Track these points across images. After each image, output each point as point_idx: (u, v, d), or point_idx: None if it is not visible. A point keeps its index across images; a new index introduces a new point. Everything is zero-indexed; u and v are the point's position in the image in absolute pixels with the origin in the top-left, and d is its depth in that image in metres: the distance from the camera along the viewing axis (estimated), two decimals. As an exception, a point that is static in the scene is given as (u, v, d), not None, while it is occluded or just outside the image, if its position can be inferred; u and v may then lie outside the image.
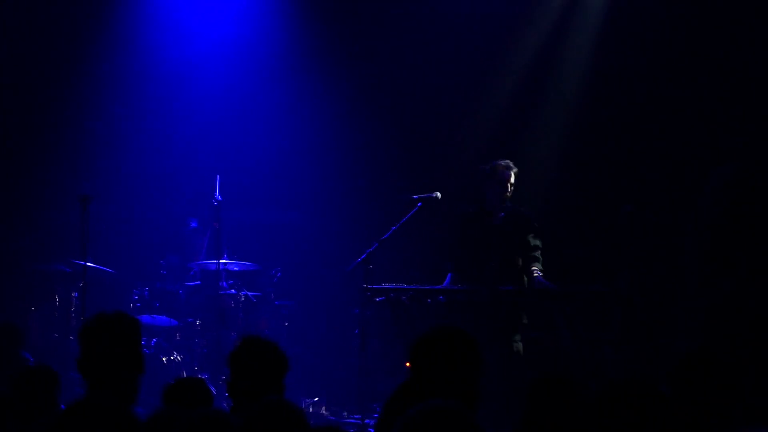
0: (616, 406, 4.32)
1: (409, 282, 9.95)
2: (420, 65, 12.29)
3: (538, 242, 10.06)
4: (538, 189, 11.08)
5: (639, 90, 11.52)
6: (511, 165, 9.99)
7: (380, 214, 10.90)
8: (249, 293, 11.57)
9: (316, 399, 11.34)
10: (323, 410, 11.35)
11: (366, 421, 9.70)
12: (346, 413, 11.05)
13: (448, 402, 3.41)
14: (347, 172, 12.62)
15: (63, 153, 12.53)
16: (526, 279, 9.89)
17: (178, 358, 11.12)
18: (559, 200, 11.44)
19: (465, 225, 10.19)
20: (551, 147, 11.70)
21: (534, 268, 9.92)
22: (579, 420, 4.47)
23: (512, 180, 9.96)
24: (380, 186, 12.27)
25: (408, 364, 4.64)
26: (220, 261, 11.01)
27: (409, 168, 12.23)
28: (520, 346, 9.71)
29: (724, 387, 4.73)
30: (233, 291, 11.43)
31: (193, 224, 12.21)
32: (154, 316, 11.38)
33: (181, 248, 12.28)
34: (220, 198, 10.77)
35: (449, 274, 10.09)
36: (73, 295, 11.28)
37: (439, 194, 10.03)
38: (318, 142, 12.67)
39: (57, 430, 4.33)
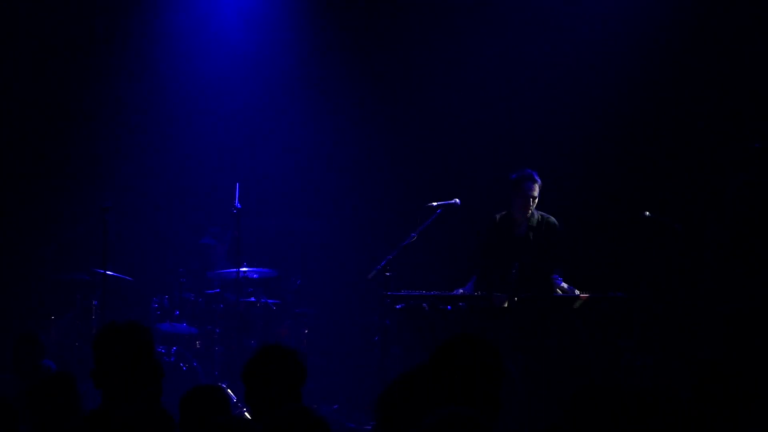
0: (639, 414, 4.31)
1: (429, 289, 9.94)
2: (441, 72, 12.28)
3: (563, 249, 10.06)
4: (559, 195, 11.04)
5: (660, 95, 11.49)
6: (536, 177, 9.99)
7: (400, 221, 10.90)
8: (268, 301, 11.58)
9: (336, 406, 11.33)
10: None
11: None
12: (365, 420, 11.04)
13: (465, 409, 3.41)
14: (367, 179, 12.61)
15: (83, 163, 12.57)
16: (548, 286, 9.87)
17: (198, 366, 11.14)
18: (580, 206, 11.41)
19: (491, 231, 10.21)
20: (572, 152, 11.66)
21: (556, 275, 9.91)
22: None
23: (535, 193, 9.96)
24: (400, 193, 12.27)
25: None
26: (240, 269, 11.01)
27: (430, 175, 12.21)
28: (540, 353, 9.69)
29: (746, 396, 4.71)
30: (253, 299, 11.44)
31: (206, 240, 12.25)
32: (174, 324, 11.39)
33: (200, 256, 12.31)
34: (239, 206, 10.78)
35: (473, 278, 10.11)
36: (93, 303, 11.30)
37: (458, 201, 10.05)
38: (338, 149, 12.68)
39: None
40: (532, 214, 10.06)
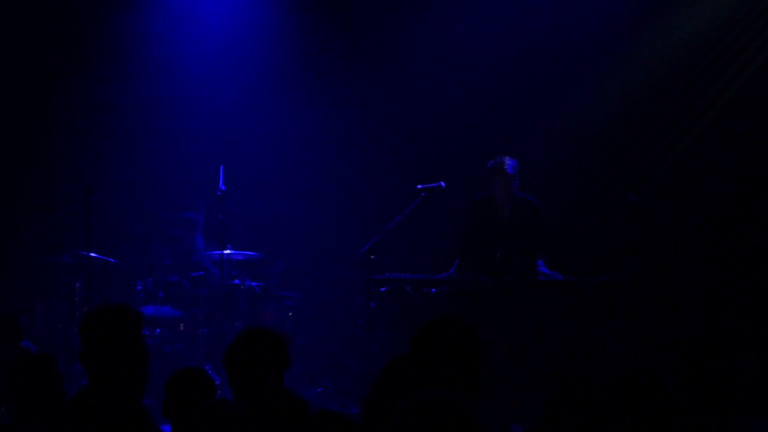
0: (622, 399, 4.32)
1: (415, 272, 9.94)
2: (426, 55, 12.27)
3: (544, 231, 10.08)
4: (543, 179, 11.05)
5: (644, 79, 11.49)
6: (506, 161, 9.99)
7: (385, 205, 10.90)
8: (253, 283, 11.57)
9: (320, 389, 11.35)
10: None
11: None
12: (350, 403, 11.05)
13: (443, 393, 3.40)
14: (352, 163, 12.60)
15: (66, 144, 12.52)
16: (531, 269, 9.89)
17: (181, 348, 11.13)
18: (564, 190, 11.43)
19: (474, 212, 10.22)
20: (558, 136, 11.67)
21: (539, 259, 9.93)
22: (599, 419, 4.44)
23: (511, 174, 9.97)
24: (385, 176, 12.26)
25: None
26: (224, 251, 10.99)
27: (415, 158, 12.21)
28: (523, 336, 9.71)
29: (726, 376, 4.73)
30: (237, 281, 11.43)
31: (189, 214, 12.24)
32: (158, 306, 11.38)
33: (182, 239, 12.29)
34: (224, 188, 10.75)
35: (456, 260, 10.12)
36: (77, 286, 11.27)
37: (443, 184, 10.05)
38: (323, 132, 12.66)
39: (61, 421, 4.33)
40: (514, 195, 10.07)
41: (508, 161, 10.00)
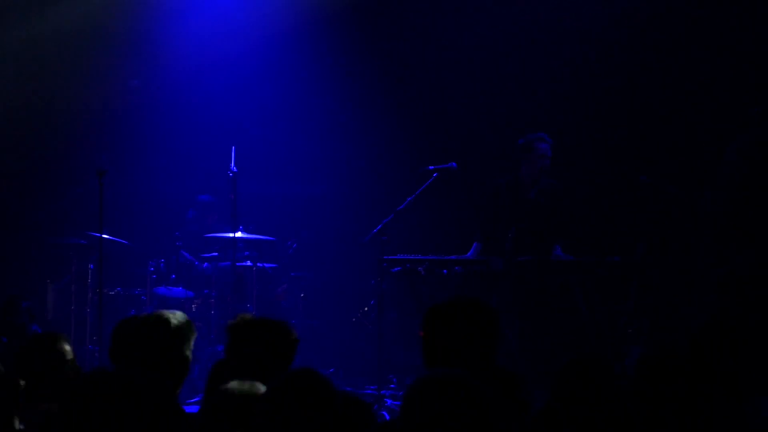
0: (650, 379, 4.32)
1: (426, 253, 9.93)
2: (439, 34, 12.23)
3: (565, 214, 10.07)
4: (555, 159, 11.03)
5: (658, 58, 11.45)
6: (547, 138, 10.03)
7: (397, 185, 10.88)
8: (265, 264, 11.59)
9: (332, 370, 11.36)
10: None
11: (382, 391, 9.71)
12: (362, 384, 11.07)
13: (455, 370, 3.39)
14: (364, 143, 12.59)
15: (79, 126, 12.53)
16: (548, 250, 9.87)
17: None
18: (577, 170, 11.39)
19: (495, 196, 10.21)
20: (569, 116, 11.63)
21: (556, 243, 9.92)
22: (609, 401, 4.44)
23: (549, 153, 9.99)
24: (396, 157, 12.24)
25: (421, 333, 4.61)
26: (236, 233, 11.00)
27: (426, 139, 12.19)
28: (536, 317, 9.70)
29: (740, 357, 4.72)
30: (249, 263, 11.44)
31: (204, 197, 12.28)
32: (170, 288, 11.43)
33: (196, 220, 12.32)
34: (235, 169, 10.74)
35: (475, 244, 10.11)
36: (89, 267, 11.31)
37: (455, 164, 10.03)
38: (334, 113, 12.65)
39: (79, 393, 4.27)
40: (542, 177, 10.07)
41: (548, 141, 10.03)
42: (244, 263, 11.44)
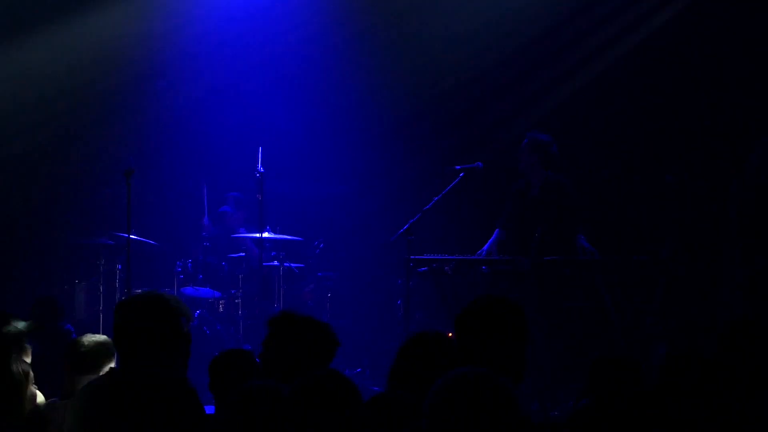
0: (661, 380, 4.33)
1: (452, 252, 9.94)
2: (462, 36, 12.21)
3: (576, 208, 10.05)
4: (582, 158, 11.02)
5: (683, 58, 11.42)
6: (539, 136, 10.03)
7: (423, 185, 10.89)
8: (291, 264, 11.62)
9: (359, 370, 11.38)
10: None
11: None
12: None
13: (481, 369, 3.40)
14: (390, 143, 12.60)
15: (107, 127, 12.59)
16: (571, 249, 9.86)
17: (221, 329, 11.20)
18: (603, 169, 11.38)
19: (512, 195, 10.26)
20: (596, 115, 11.62)
21: (576, 236, 9.91)
22: (641, 398, 4.45)
23: (544, 150, 9.98)
24: (423, 157, 12.25)
25: (450, 334, 4.62)
26: (263, 233, 11.03)
27: (453, 138, 12.20)
28: (562, 316, 9.70)
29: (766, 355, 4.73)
30: (276, 263, 11.47)
31: (224, 208, 12.31)
32: (198, 288, 11.47)
33: (223, 221, 12.35)
34: (262, 170, 10.76)
35: (495, 233, 10.14)
36: (117, 267, 11.36)
37: (481, 164, 10.04)
38: (362, 113, 12.65)
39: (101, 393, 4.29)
40: (543, 174, 10.08)
41: (527, 138, 10.07)
42: (271, 263, 11.47)
